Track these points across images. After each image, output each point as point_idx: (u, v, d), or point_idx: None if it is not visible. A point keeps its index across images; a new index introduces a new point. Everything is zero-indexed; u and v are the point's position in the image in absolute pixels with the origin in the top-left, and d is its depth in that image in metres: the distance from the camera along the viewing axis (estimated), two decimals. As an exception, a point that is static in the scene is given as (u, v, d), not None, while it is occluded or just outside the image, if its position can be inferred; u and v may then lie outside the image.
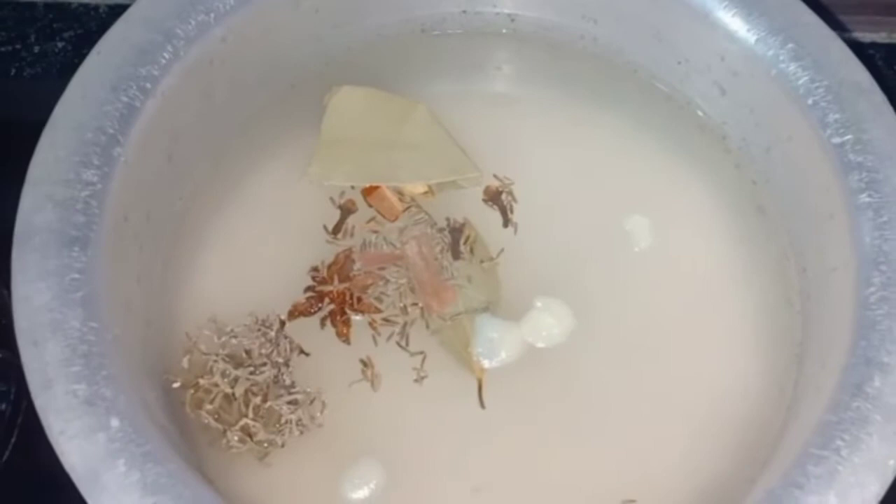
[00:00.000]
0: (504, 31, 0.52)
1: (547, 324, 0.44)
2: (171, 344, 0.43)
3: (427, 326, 0.44)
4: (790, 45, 0.44)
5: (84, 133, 0.40)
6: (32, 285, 0.37)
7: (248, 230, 0.47)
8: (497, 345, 0.44)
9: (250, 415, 0.41)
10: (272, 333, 0.43)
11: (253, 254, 0.46)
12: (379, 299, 0.44)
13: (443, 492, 0.41)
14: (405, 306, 0.44)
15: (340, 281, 0.45)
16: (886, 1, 0.60)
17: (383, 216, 0.47)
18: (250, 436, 0.41)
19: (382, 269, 0.45)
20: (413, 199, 0.47)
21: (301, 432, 0.41)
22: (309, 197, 0.47)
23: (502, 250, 0.46)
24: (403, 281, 0.45)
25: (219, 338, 0.42)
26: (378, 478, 0.41)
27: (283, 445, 0.41)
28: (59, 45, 0.60)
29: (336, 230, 0.47)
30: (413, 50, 0.52)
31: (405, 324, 0.44)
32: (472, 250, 0.46)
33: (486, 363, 0.44)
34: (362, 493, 0.41)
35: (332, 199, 0.47)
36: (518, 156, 0.49)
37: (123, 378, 0.36)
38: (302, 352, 0.43)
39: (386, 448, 0.42)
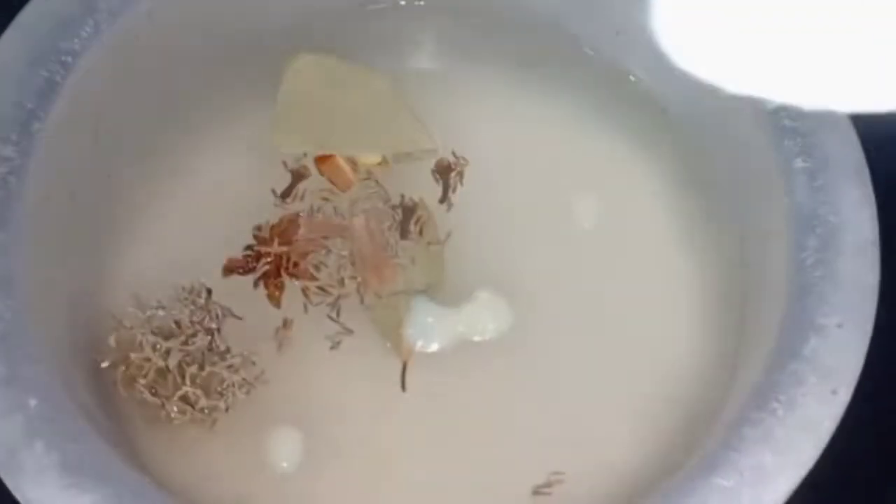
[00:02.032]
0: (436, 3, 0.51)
1: (483, 318, 0.44)
2: (100, 325, 0.42)
3: (361, 301, 0.43)
4: (726, 14, 0.44)
5: (2, 108, 0.39)
6: (-52, 265, 0.36)
7: (183, 207, 0.46)
8: (430, 330, 0.43)
9: (188, 383, 0.40)
10: (202, 301, 0.42)
11: (187, 230, 0.45)
12: (317, 268, 0.44)
13: (356, 466, 0.41)
14: (343, 279, 0.43)
15: (281, 243, 0.44)
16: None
17: (336, 186, 0.46)
18: (192, 405, 0.40)
19: (326, 238, 0.44)
20: (369, 172, 0.46)
21: (248, 392, 0.41)
22: (246, 172, 0.46)
23: (449, 234, 0.45)
24: (345, 253, 0.44)
25: (144, 312, 0.41)
26: (297, 448, 0.41)
27: (227, 409, 0.41)
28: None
29: (286, 194, 0.46)
30: (348, 24, 0.50)
31: (339, 296, 0.43)
32: (421, 231, 0.45)
33: (416, 346, 0.43)
34: (282, 460, 0.40)
35: (284, 163, 0.46)
36: (456, 133, 0.48)
37: (45, 358, 0.36)
38: (234, 316, 0.43)
39: (304, 418, 0.41)
